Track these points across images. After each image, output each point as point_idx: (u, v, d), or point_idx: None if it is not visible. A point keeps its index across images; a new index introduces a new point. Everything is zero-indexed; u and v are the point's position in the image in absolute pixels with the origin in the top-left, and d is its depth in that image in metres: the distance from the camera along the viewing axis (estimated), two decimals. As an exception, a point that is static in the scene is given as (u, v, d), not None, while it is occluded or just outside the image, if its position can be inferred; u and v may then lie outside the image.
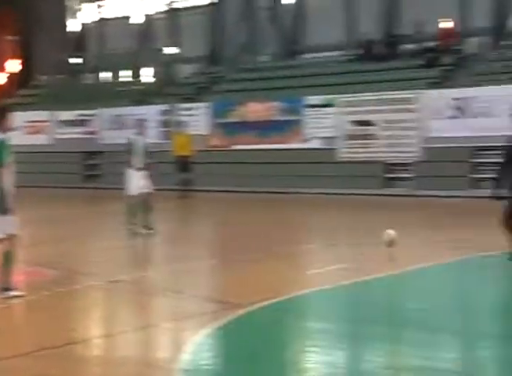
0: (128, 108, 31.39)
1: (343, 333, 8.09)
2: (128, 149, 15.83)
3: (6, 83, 39.64)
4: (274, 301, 9.03)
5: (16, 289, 9.36)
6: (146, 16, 36.84)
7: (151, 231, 15.28)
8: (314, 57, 30.97)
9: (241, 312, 8.50)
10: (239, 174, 27.09)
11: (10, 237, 9.32)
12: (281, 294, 9.44)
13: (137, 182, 15.51)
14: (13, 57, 40.10)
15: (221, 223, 19.05)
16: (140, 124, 17.02)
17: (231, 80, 31.83)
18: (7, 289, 9.29)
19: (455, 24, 27.84)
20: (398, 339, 7.71)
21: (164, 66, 34.84)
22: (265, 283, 10.51)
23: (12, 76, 40.02)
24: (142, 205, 15.54)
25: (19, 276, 11.54)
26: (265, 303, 8.89)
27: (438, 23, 27.20)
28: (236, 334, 8.01)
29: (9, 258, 9.28)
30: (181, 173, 25.95)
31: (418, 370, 6.54)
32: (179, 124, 28.23)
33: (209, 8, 34.26)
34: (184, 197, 25.22)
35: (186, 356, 6.87)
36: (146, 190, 15.54)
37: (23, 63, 40.33)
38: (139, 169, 15.61)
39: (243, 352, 7.23)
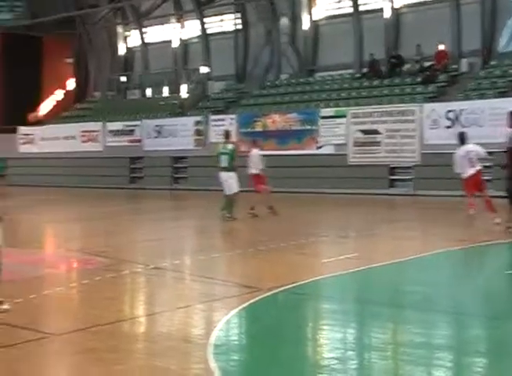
0: (167, 119, 31.56)
1: (352, 313, 8.08)
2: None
3: (64, 98, 39.97)
4: (292, 285, 9.02)
5: None
6: (183, 40, 36.93)
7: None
8: (327, 75, 30.91)
9: (263, 295, 8.50)
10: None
11: None
12: (299, 279, 9.43)
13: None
14: (71, 77, 40.47)
15: (246, 219, 18.97)
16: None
17: (255, 95, 31.84)
18: None
19: (449, 47, 27.68)
20: (399, 318, 7.68)
21: (198, 84, 34.92)
22: (285, 270, 10.51)
23: (69, 93, 40.35)
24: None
25: (74, 263, 11.67)
26: (285, 287, 8.89)
27: (434, 46, 27.06)
28: (259, 314, 8.02)
29: None
30: None
31: (416, 346, 6.51)
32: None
33: (236, 33, 34.26)
34: None
35: (217, 333, 6.89)
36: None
37: (79, 82, 40.64)
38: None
39: (265, 329, 7.24)
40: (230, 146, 17.05)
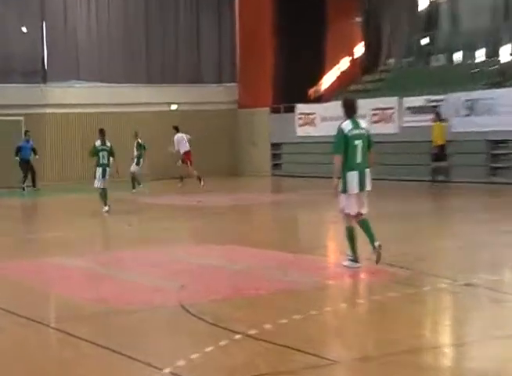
0: (482, 92, 30.91)
1: None
2: None
3: (350, 68, 40.79)
4: None
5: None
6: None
7: None
8: None
9: None
10: None
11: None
12: None
13: None
14: (359, 41, 41.06)
15: None
16: None
17: None
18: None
19: None
20: None
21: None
22: None
23: (355, 61, 41.09)
24: None
25: (365, 275, 11.91)
26: None
27: None
28: None
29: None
30: None
31: None
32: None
33: None
34: None
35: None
36: None
37: (369, 47, 41.17)
38: None
39: None
40: (108, 144, 21.13)
